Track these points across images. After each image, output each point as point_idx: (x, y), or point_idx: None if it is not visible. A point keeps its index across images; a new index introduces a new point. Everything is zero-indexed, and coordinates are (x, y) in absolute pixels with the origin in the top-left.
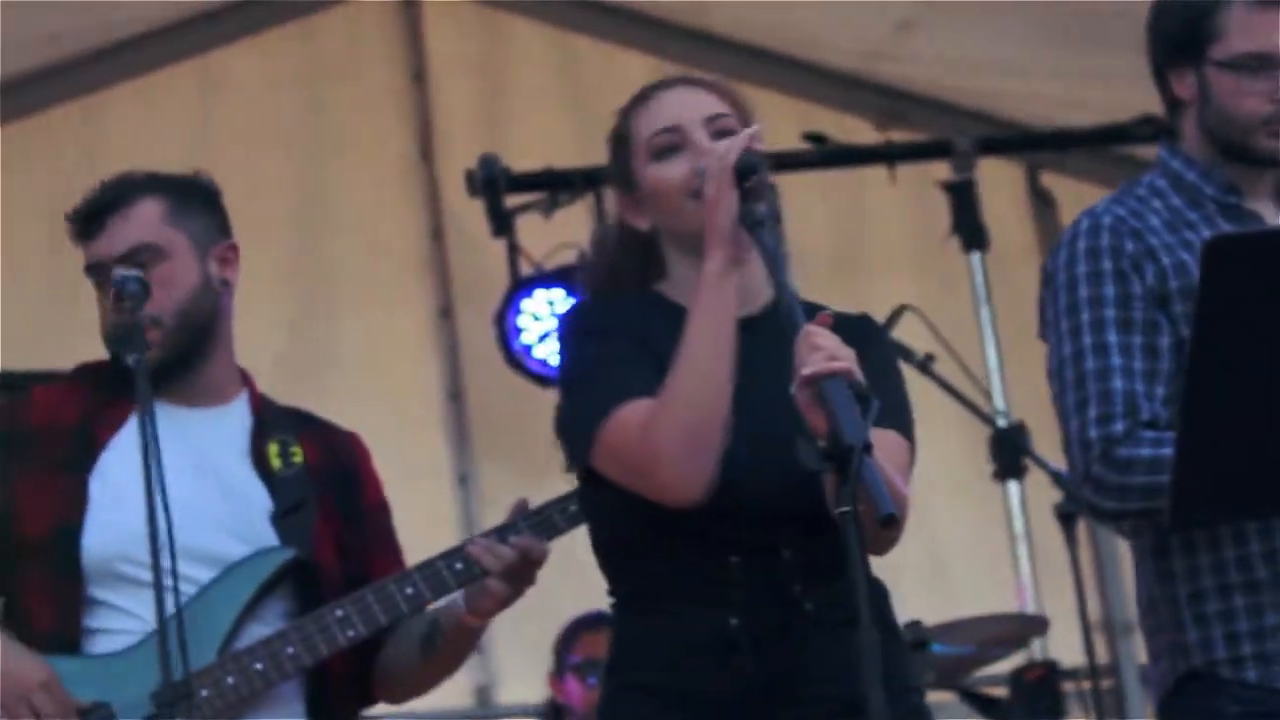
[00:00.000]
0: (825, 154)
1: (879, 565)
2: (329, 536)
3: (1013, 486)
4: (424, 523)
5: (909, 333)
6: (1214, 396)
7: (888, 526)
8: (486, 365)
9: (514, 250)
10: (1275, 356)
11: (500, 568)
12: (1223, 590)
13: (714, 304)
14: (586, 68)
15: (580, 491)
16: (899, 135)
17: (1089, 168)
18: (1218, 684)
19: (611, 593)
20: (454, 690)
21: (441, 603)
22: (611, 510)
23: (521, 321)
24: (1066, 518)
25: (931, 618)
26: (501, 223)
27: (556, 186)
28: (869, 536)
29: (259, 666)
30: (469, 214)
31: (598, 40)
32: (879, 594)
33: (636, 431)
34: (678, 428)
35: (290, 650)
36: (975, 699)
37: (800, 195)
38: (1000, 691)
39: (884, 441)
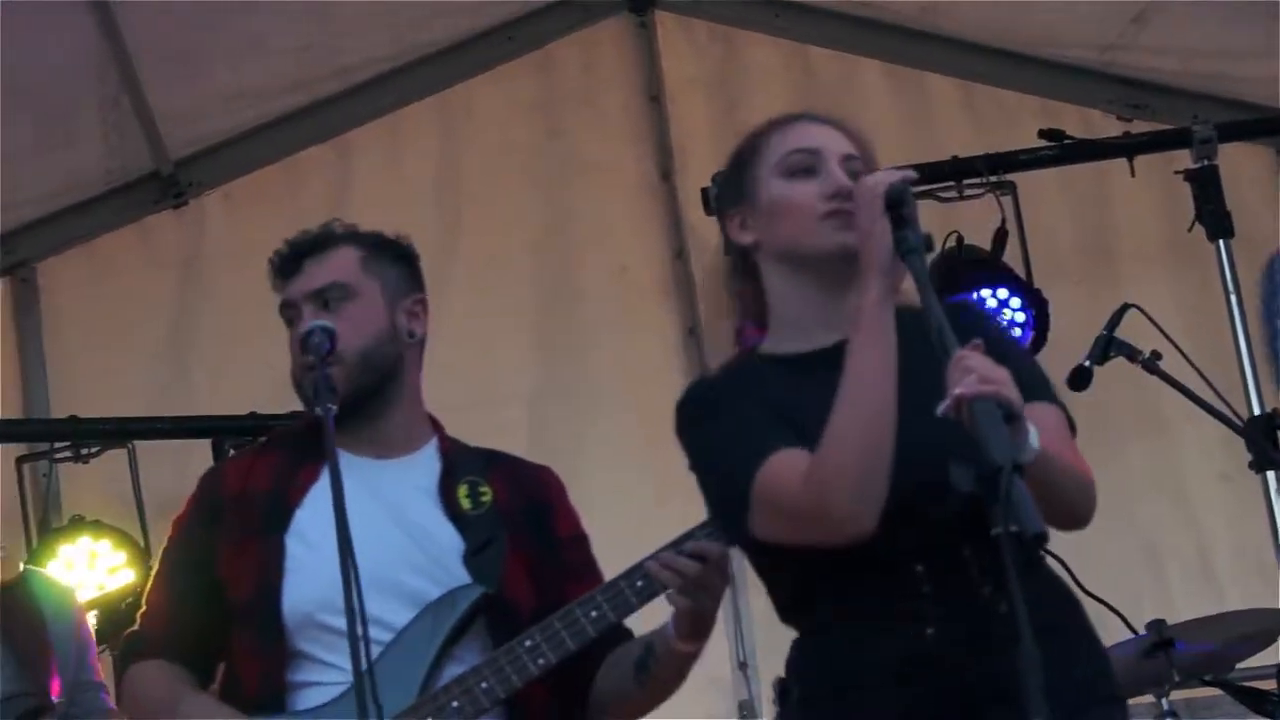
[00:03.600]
0: (1063, 150)
1: (1145, 561)
2: (521, 571)
3: (1271, 476)
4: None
5: (1145, 329)
6: None
7: (1038, 546)
8: None
9: None
10: None
11: (680, 580)
12: None
13: (876, 334)
14: (821, 77)
15: (753, 562)
16: (1141, 127)
17: None
18: None
19: (798, 632)
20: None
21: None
22: (786, 569)
23: None
24: None
25: (1198, 610)
26: None
27: None
28: (1065, 513)
29: (455, 704)
30: (712, 232)
31: (831, 49)
32: (1063, 596)
33: (797, 478)
34: (851, 462)
35: (484, 685)
36: (1241, 692)
37: (1042, 193)
38: (1269, 685)
39: (1038, 414)
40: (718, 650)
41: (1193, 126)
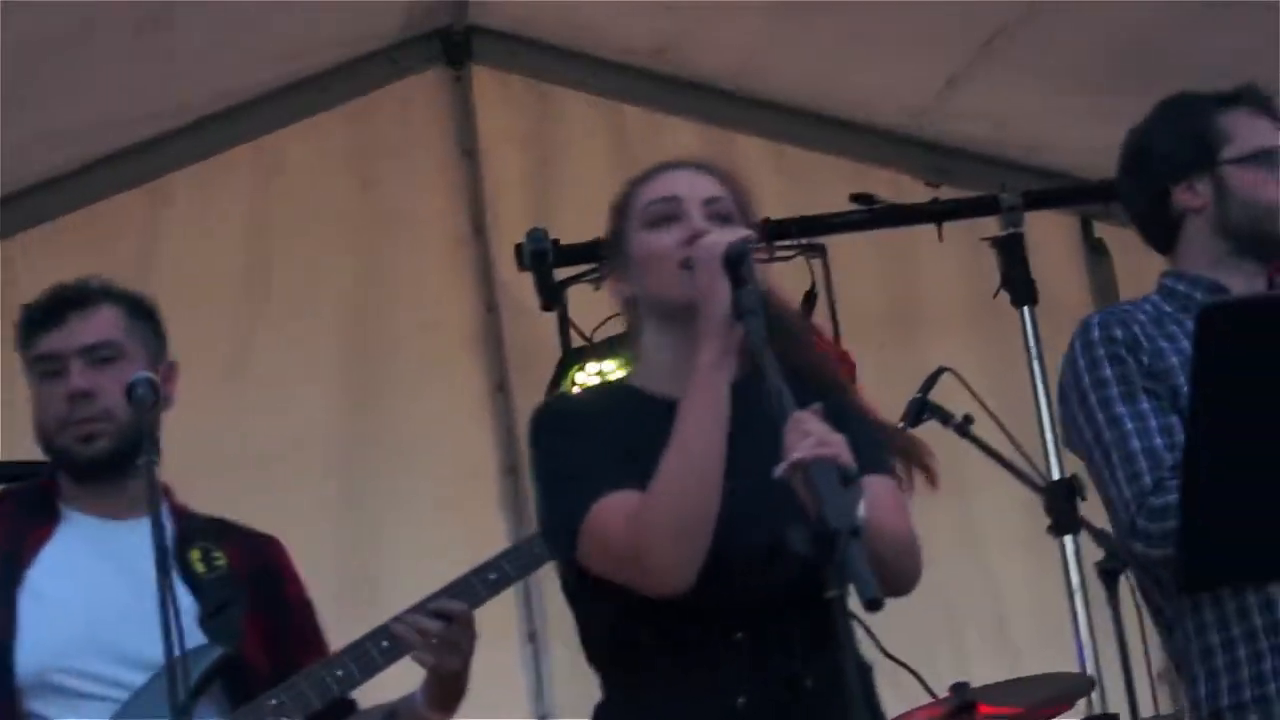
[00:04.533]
0: (873, 214)
1: (943, 623)
2: (256, 635)
3: (1069, 542)
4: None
5: (956, 393)
6: (1213, 460)
7: (872, 609)
8: None
9: (564, 322)
10: (1270, 419)
11: (424, 640)
12: (1227, 643)
13: (707, 395)
14: (635, 136)
15: (568, 590)
16: (950, 192)
17: None
18: None
19: (605, 683)
20: None
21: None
22: (608, 601)
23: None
24: (1109, 574)
25: (993, 672)
26: (551, 295)
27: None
28: (889, 582)
29: None
30: (523, 288)
31: (646, 108)
32: (864, 673)
33: (623, 521)
34: (669, 518)
35: None
36: None
37: (852, 256)
38: None
39: (876, 485)
40: (514, 704)
41: (1000, 194)
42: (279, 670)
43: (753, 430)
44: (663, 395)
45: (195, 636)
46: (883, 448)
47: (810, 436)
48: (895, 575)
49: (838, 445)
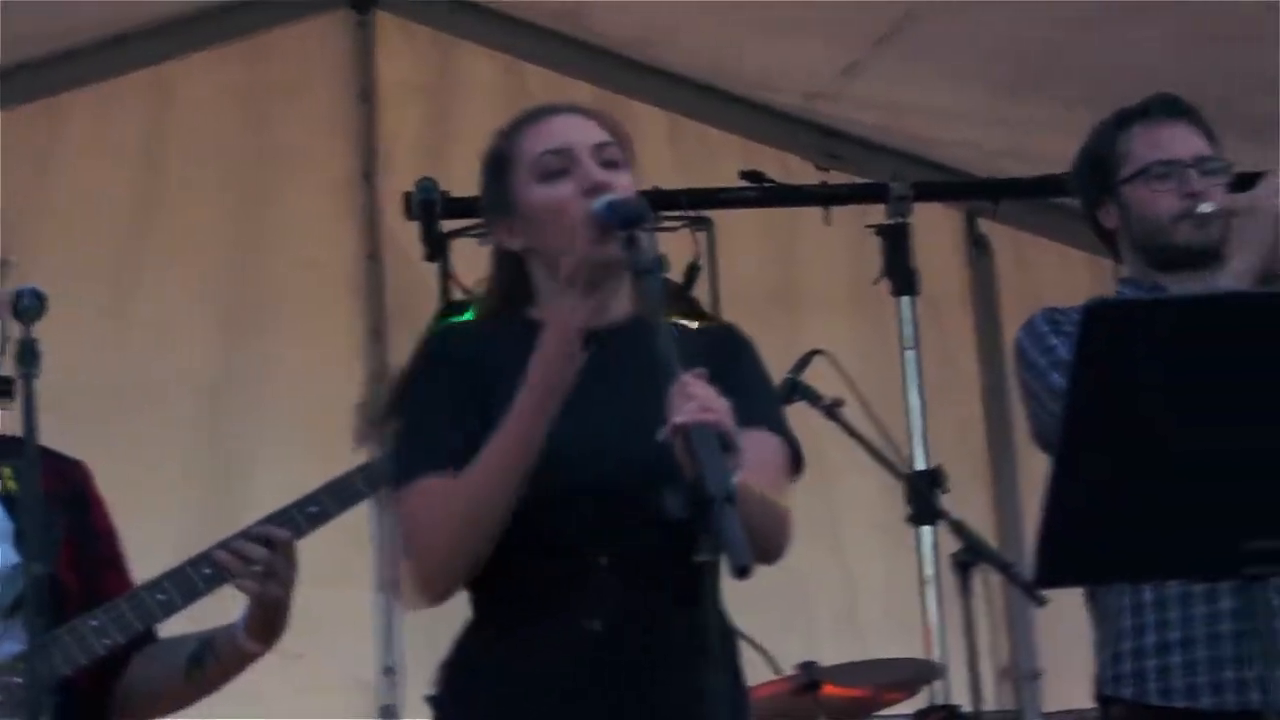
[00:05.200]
0: (762, 192)
1: (795, 604)
2: (69, 556)
3: (926, 532)
4: (346, 539)
5: (828, 376)
6: (1085, 457)
7: (742, 577)
8: None
9: (445, 274)
10: (1145, 422)
11: (245, 567)
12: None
13: (531, 420)
14: (534, 96)
15: None
16: (840, 177)
17: (1026, 216)
18: (1104, 703)
19: (473, 605)
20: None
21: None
22: None
23: None
24: (963, 566)
25: (842, 656)
26: (436, 246)
27: None
28: (760, 548)
29: (19, 680)
30: (408, 237)
31: (547, 69)
32: (728, 637)
33: (422, 516)
34: (453, 523)
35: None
36: None
37: (738, 232)
38: None
39: (756, 441)
40: (361, 652)
41: (891, 183)
42: (90, 594)
43: (626, 369)
44: None
45: (9, 555)
46: (777, 410)
47: (693, 400)
48: (763, 542)
49: (720, 410)
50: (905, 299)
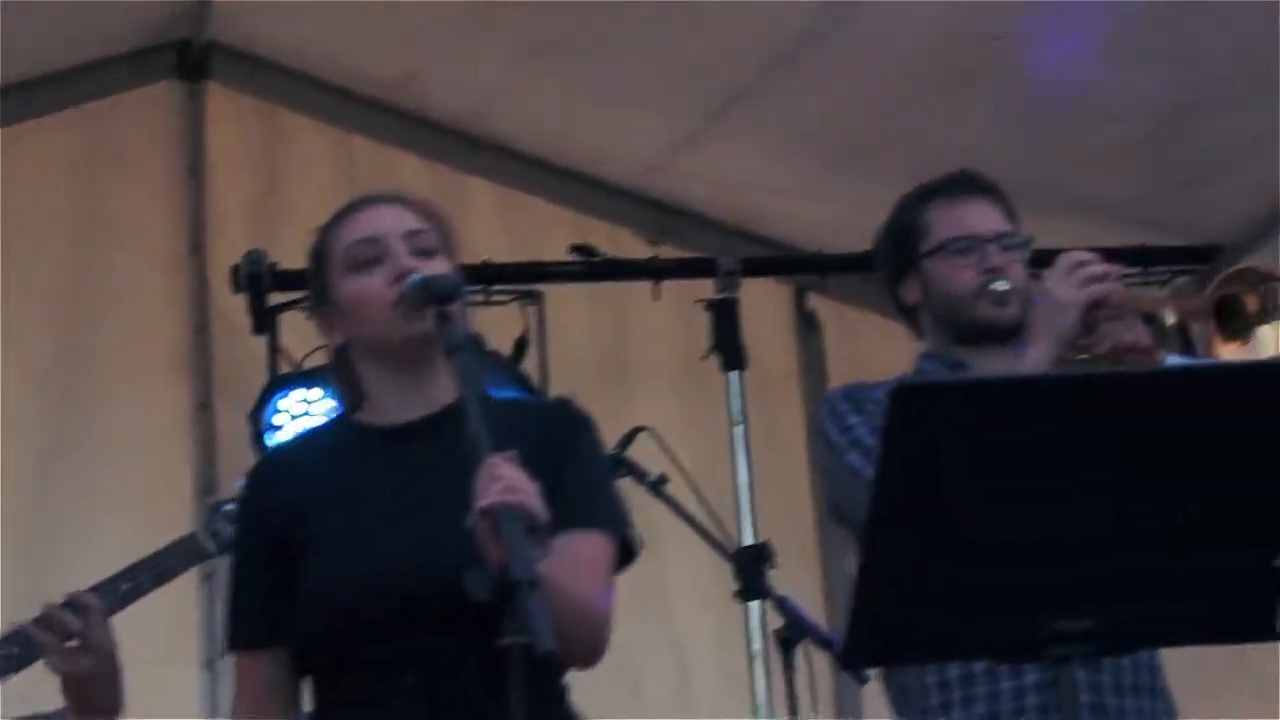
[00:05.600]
0: (590, 267)
1: (626, 677)
2: None
3: (754, 607)
4: (169, 617)
5: (649, 450)
6: (891, 538)
7: (547, 662)
8: (243, 461)
9: (274, 348)
10: (949, 504)
11: (57, 641)
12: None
13: None
14: (363, 168)
15: None
16: (672, 252)
17: (854, 291)
18: None
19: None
20: None
21: None
22: (295, 630)
23: (277, 419)
24: (785, 643)
25: None
26: (263, 319)
27: None
28: (568, 647)
29: None
30: (238, 309)
31: (377, 141)
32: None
33: (235, 687)
34: None
35: None
36: None
37: (568, 306)
38: None
39: (575, 545)
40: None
41: (719, 258)
42: None
43: (450, 467)
44: (388, 424)
45: None
46: (602, 504)
47: (499, 482)
48: (571, 640)
49: (527, 493)
50: (734, 374)
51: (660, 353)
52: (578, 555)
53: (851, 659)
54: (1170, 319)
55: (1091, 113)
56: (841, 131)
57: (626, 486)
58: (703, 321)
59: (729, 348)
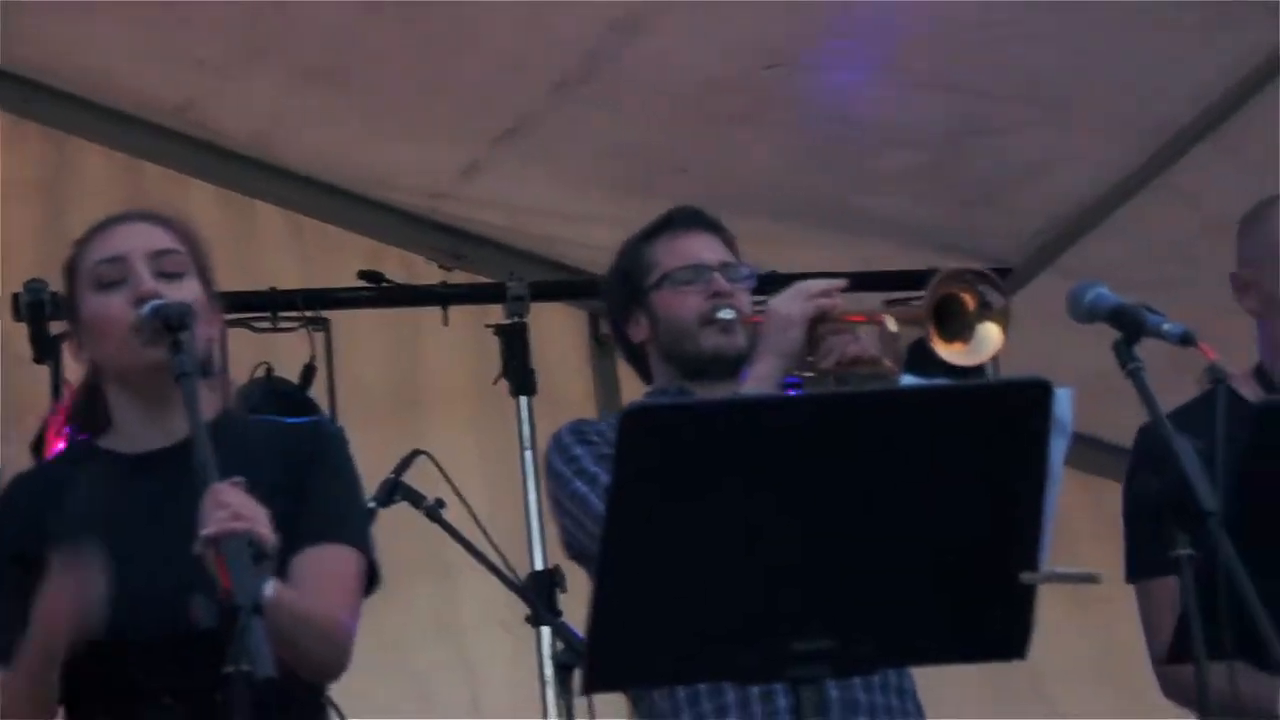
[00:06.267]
0: (379, 292)
1: (417, 702)
2: None
3: (546, 631)
4: None
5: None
6: (627, 563)
7: (267, 688)
8: None
9: (57, 376)
10: (683, 527)
11: None
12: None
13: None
14: (150, 194)
15: None
16: (464, 277)
17: None
18: None
19: None
20: None
21: None
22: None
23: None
24: (563, 667)
25: None
26: (45, 348)
27: None
28: (304, 662)
29: None
30: (19, 338)
31: (165, 166)
32: None
33: None
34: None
35: None
36: None
37: (357, 332)
38: None
39: (322, 558)
40: None
41: (507, 282)
42: None
43: (182, 497)
44: (131, 453)
45: None
46: (351, 521)
47: (224, 510)
48: (307, 655)
49: (253, 519)
50: (524, 399)
51: (451, 379)
52: (323, 569)
53: (594, 684)
54: (893, 327)
55: (877, 138)
56: (631, 157)
57: (414, 510)
58: (494, 347)
59: (519, 373)
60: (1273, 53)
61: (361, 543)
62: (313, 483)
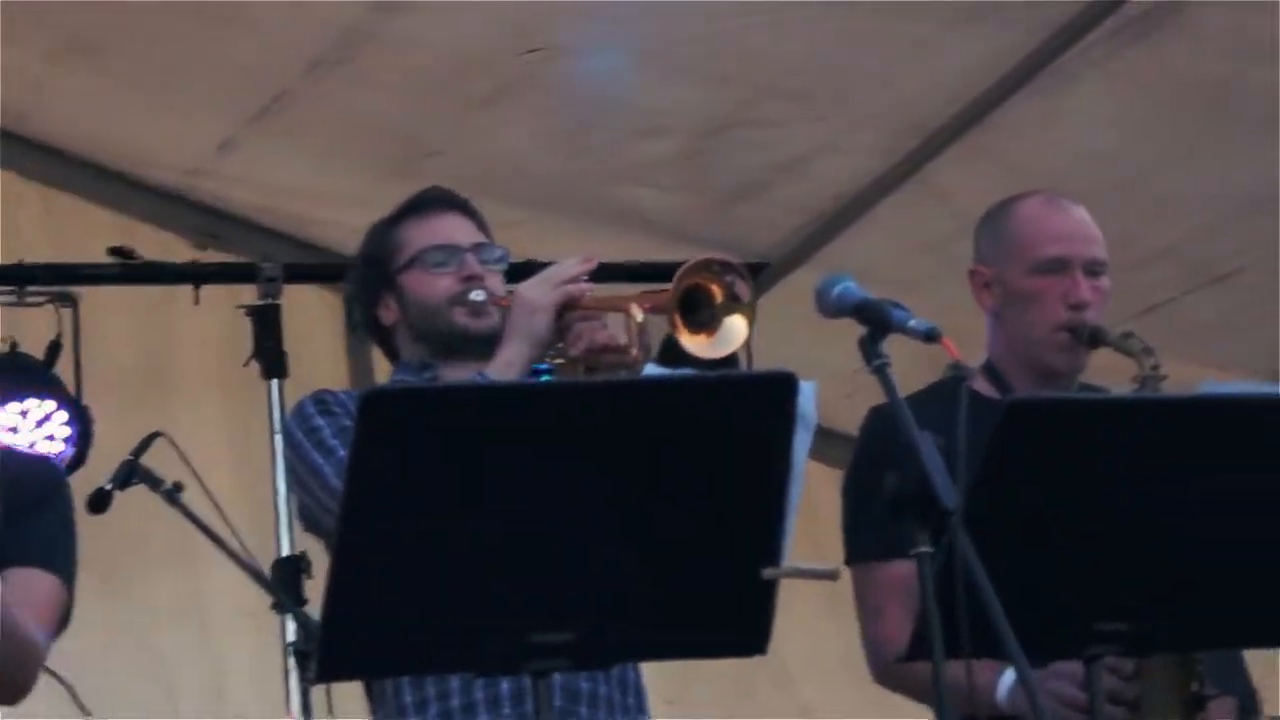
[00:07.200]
0: (127, 269)
1: (159, 686)
2: None
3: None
4: None
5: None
6: (364, 547)
7: None
8: None
9: None
10: (421, 513)
11: None
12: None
13: None
14: None
15: None
16: (218, 257)
17: None
18: None
19: None
20: None
21: None
22: None
23: None
24: (302, 655)
25: None
26: None
27: None
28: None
29: None
30: None
31: None
32: None
33: None
34: None
35: None
36: None
37: (106, 310)
38: None
39: (30, 581)
40: None
41: (260, 263)
42: None
43: None
44: None
45: None
46: (64, 555)
47: None
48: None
49: None
50: (274, 382)
51: (202, 360)
52: (30, 589)
53: (327, 672)
54: (639, 316)
55: (633, 126)
56: (387, 138)
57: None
58: (246, 328)
59: (270, 355)
60: (1030, 54)
61: (68, 579)
62: (32, 513)
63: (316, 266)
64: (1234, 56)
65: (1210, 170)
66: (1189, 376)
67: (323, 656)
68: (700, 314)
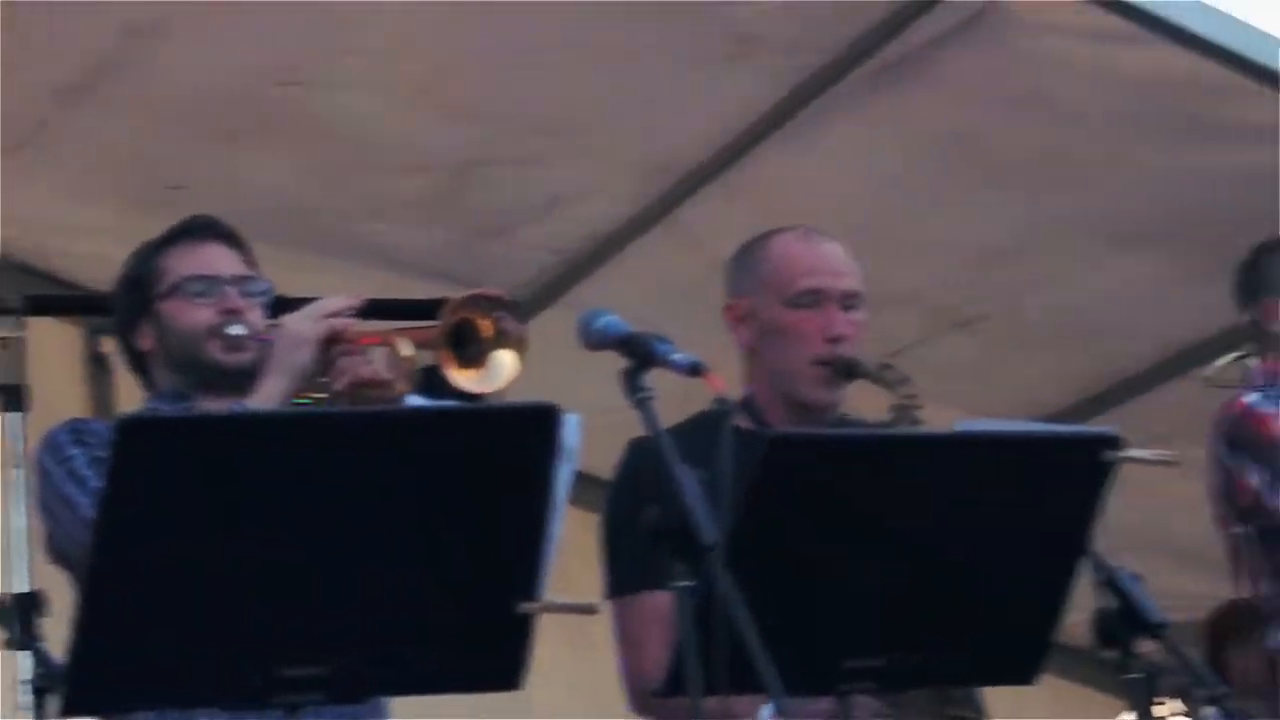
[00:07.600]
0: None
1: None
2: None
3: (25, 656)
4: None
5: None
6: (115, 578)
7: None
8: None
9: None
10: (174, 545)
11: None
12: None
13: None
14: None
15: None
16: None
17: None
18: None
19: None
20: None
21: None
22: None
23: None
24: (40, 692)
25: None
26: None
27: None
28: None
29: None
30: None
31: None
32: None
33: None
34: None
35: None
36: None
37: None
38: None
39: None
40: None
41: (2, 295)
42: None
43: None
44: None
45: None
46: None
47: None
48: None
49: None
50: (14, 415)
51: None
52: None
53: (73, 707)
54: (406, 350)
55: (389, 161)
56: (136, 170)
57: None
58: None
59: (9, 388)
60: (782, 99)
61: None
62: None
63: (61, 299)
64: (982, 108)
65: (955, 218)
66: (934, 418)
67: (70, 691)
68: (469, 349)
